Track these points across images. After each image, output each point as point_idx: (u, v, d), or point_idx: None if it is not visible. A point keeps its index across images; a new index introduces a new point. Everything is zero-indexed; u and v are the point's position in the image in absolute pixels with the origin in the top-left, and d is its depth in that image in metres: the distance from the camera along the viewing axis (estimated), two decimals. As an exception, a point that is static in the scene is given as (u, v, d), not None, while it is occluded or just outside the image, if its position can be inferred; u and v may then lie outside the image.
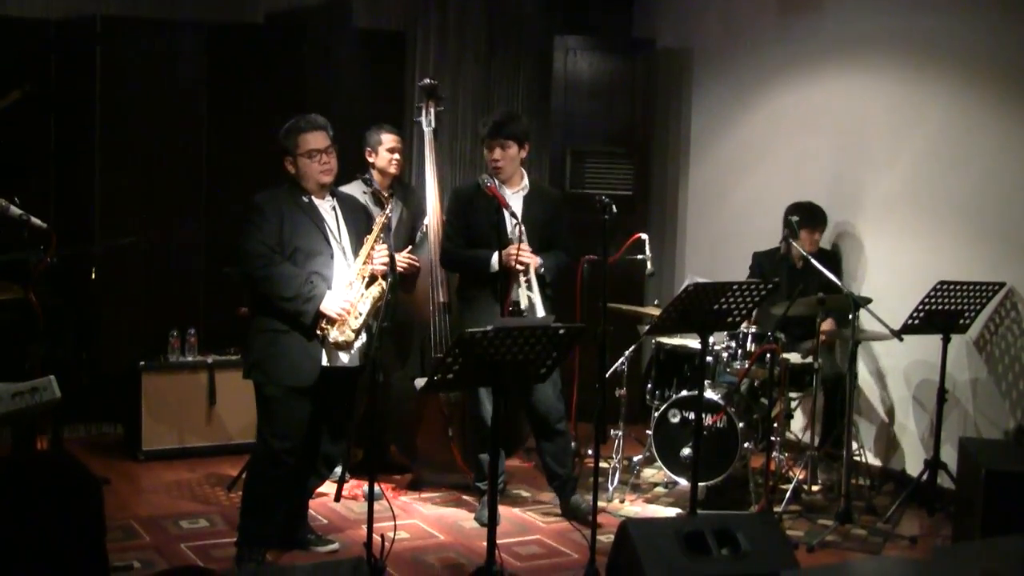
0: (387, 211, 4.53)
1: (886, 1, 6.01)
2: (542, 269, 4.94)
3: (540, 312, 4.79)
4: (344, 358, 4.49)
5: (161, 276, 6.36)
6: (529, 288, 4.86)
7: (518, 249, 4.87)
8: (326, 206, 4.55)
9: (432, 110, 5.51)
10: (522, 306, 4.86)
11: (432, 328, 5.42)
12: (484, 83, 7.24)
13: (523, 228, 4.89)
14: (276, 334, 4.41)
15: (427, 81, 5.57)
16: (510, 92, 7.32)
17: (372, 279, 4.45)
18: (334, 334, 4.39)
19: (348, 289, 4.43)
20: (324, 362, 4.46)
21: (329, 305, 4.37)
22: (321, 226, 4.48)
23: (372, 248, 4.46)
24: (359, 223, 4.60)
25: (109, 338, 6.29)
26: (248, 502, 4.55)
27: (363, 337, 4.46)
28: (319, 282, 4.39)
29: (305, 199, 4.50)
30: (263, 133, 6.40)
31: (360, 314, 4.41)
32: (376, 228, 4.48)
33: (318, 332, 4.39)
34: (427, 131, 5.50)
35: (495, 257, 4.94)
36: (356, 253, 4.51)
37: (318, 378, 4.43)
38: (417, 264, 5.45)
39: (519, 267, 4.87)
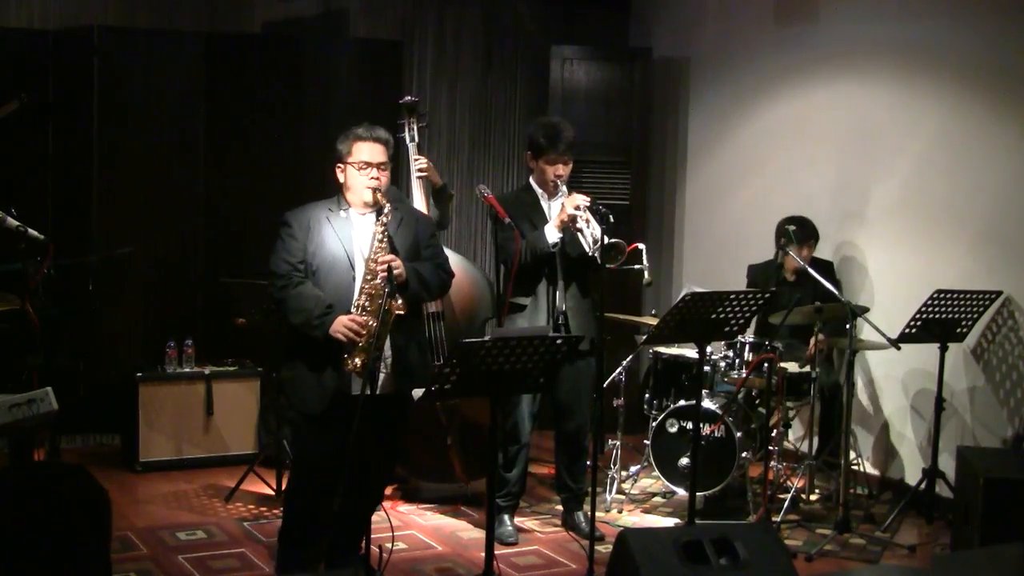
0: (383, 219, 4.15)
1: (881, 10, 6.02)
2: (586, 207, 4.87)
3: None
4: (355, 385, 4.11)
5: (158, 286, 6.35)
6: (590, 227, 4.80)
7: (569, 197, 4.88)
8: (366, 221, 4.22)
9: (415, 126, 5.52)
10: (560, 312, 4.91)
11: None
12: (481, 92, 7.24)
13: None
14: (295, 357, 4.23)
15: (408, 98, 5.59)
16: (507, 101, 7.32)
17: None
18: (352, 361, 4.08)
19: (358, 309, 4.12)
20: (357, 390, 4.06)
21: (336, 327, 4.06)
22: (348, 243, 4.18)
23: (374, 262, 4.13)
24: (410, 236, 4.27)
25: (106, 349, 6.30)
26: (286, 524, 4.35)
27: (387, 360, 4.18)
28: (335, 306, 4.11)
29: (343, 213, 4.22)
30: (261, 143, 6.48)
31: (374, 334, 4.04)
32: (373, 241, 4.16)
33: (345, 359, 4.09)
34: (411, 146, 5.51)
35: (548, 228, 4.92)
36: None
37: (341, 407, 4.08)
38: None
39: (576, 212, 4.83)
